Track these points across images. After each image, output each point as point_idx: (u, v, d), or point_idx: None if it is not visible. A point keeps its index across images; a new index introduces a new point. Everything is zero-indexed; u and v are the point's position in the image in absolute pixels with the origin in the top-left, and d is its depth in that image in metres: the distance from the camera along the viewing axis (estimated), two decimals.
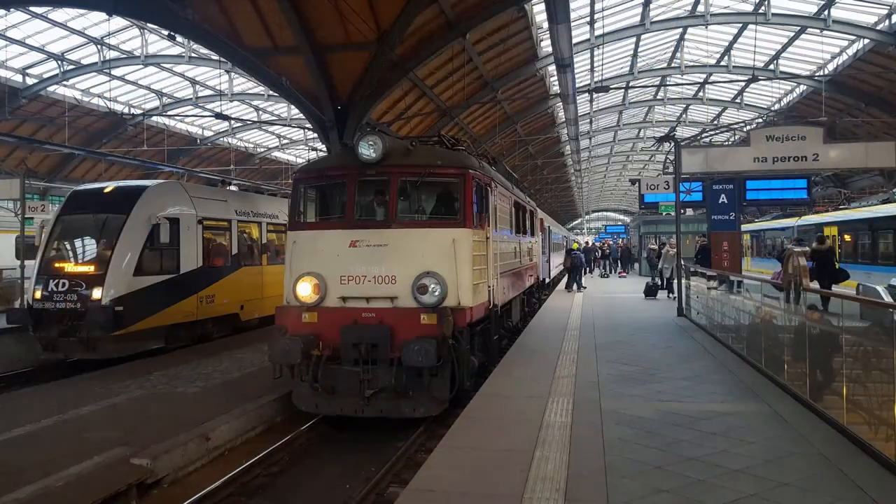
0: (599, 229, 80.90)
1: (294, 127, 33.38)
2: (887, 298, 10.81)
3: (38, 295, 11.29)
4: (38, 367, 12.14)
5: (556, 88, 26.46)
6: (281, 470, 7.12)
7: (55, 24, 22.34)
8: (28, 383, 11.09)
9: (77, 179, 32.20)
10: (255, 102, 31.06)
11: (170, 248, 12.06)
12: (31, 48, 24.06)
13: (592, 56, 25.38)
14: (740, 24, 24.49)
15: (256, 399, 8.50)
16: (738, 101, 34.61)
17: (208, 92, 30.00)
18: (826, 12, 22.04)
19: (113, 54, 24.57)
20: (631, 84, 30.46)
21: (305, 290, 8.12)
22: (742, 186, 15.10)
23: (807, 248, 13.59)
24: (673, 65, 30.22)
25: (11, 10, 19.14)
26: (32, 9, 20.44)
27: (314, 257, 8.31)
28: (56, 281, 11.22)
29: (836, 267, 13.57)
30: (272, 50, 16.07)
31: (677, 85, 32.28)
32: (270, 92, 25.39)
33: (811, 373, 6.88)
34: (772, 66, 27.80)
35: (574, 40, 18.03)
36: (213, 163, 37.98)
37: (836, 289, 12.34)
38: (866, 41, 23.43)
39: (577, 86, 21.36)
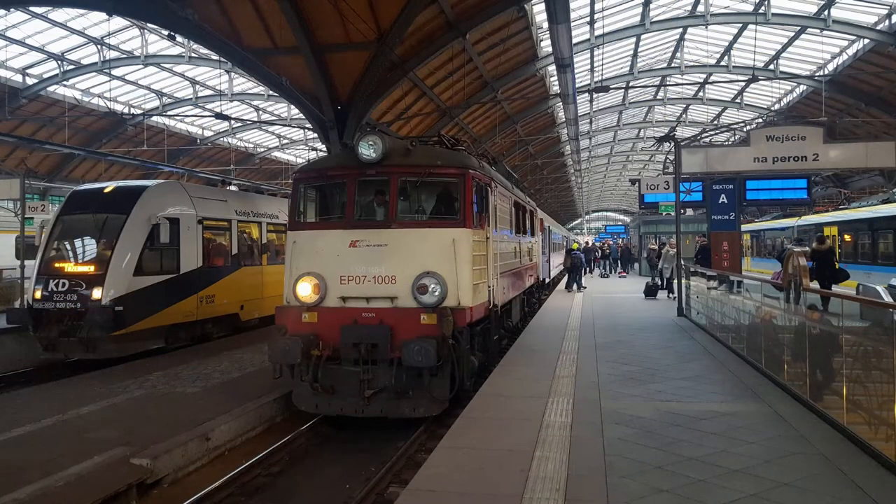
0: (599, 229, 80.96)
1: (294, 127, 33.38)
2: (887, 298, 10.79)
3: (38, 295, 11.29)
4: (38, 367, 12.15)
5: (556, 88, 26.46)
6: (281, 470, 7.12)
7: (55, 24, 22.34)
8: (28, 383, 11.10)
9: (77, 179, 32.22)
10: (255, 102, 31.06)
11: (170, 248, 12.07)
12: (31, 48, 24.07)
13: (592, 56, 25.39)
14: (740, 24, 24.48)
15: (256, 399, 8.50)
16: (738, 101, 34.60)
17: (208, 92, 30.00)
18: (826, 12, 22.04)
19: (113, 54, 24.57)
20: (631, 84, 30.46)
21: (305, 289, 8.13)
22: (742, 186, 15.10)
23: (807, 248, 13.58)
24: (673, 65, 30.21)
25: (11, 10, 19.14)
26: (32, 9, 20.43)
27: (314, 257, 8.31)
28: (56, 281, 11.23)
29: (836, 267, 13.56)
30: (272, 50, 16.07)
31: (677, 85, 32.28)
32: (270, 92, 25.42)
33: (811, 373, 6.88)
34: (772, 66, 27.79)
35: (574, 40, 18.02)
36: (213, 163, 38.00)
37: (836, 289, 12.34)
38: (866, 41, 23.42)
39: (577, 86, 21.34)
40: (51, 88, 26.43)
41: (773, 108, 33.31)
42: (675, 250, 16.79)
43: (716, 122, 36.64)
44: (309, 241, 8.53)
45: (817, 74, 26.82)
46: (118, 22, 21.72)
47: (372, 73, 16.31)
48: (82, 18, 22.21)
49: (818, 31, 23.27)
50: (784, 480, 4.82)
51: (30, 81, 25.89)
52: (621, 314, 15.54)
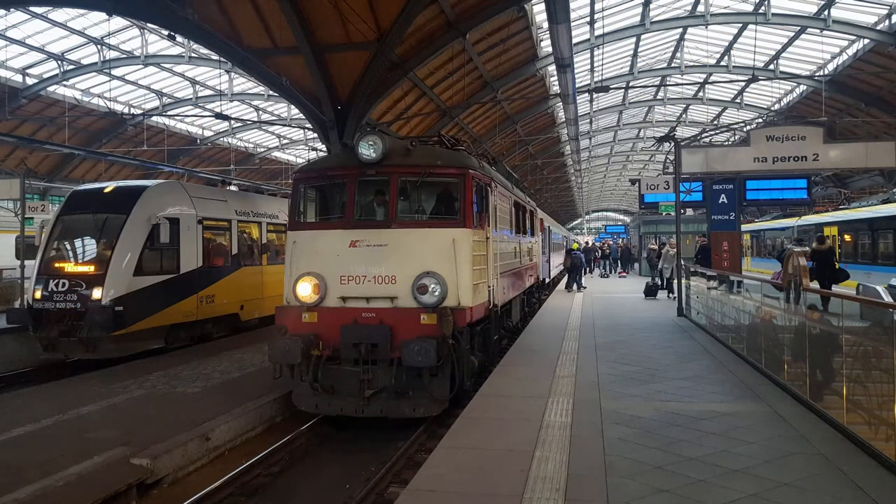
0: (599, 229, 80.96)
1: (294, 127, 33.38)
2: (887, 298, 10.80)
3: (38, 295, 11.29)
4: (38, 367, 12.15)
5: (556, 88, 26.45)
6: (281, 470, 7.12)
7: (55, 24, 22.35)
8: (28, 383, 11.11)
9: (77, 179, 32.23)
10: (255, 102, 31.06)
11: (170, 248, 12.06)
12: (31, 48, 24.07)
13: (592, 56, 25.39)
14: (740, 24, 24.48)
15: (256, 399, 8.50)
16: (738, 101, 34.60)
17: (208, 92, 30.00)
18: (826, 12, 22.04)
19: (113, 54, 24.58)
20: (631, 84, 30.46)
21: (305, 289, 8.13)
22: (742, 186, 15.11)
23: (807, 248, 13.58)
24: (673, 65, 30.21)
25: (11, 10, 19.14)
26: (32, 9, 20.44)
27: (314, 257, 8.31)
28: (56, 281, 11.22)
29: (836, 267, 13.57)
30: (272, 50, 16.08)
31: (677, 85, 32.28)
32: (270, 92, 25.42)
33: (811, 373, 6.88)
34: (772, 66, 27.79)
35: (574, 40, 18.01)
36: (213, 163, 38.00)
37: (836, 289, 12.33)
38: (866, 41, 23.42)
39: (577, 86, 21.34)
40: (51, 88, 26.42)
41: (773, 108, 33.31)
42: (675, 250, 16.79)
43: (716, 122, 36.64)
44: (309, 241, 8.53)
45: (817, 74, 26.82)
46: (118, 22, 21.73)
47: (372, 73, 16.31)
48: (82, 18, 22.22)
49: (818, 31, 23.26)
50: (784, 480, 4.82)
51: (30, 81, 25.89)
52: (621, 314, 15.54)
